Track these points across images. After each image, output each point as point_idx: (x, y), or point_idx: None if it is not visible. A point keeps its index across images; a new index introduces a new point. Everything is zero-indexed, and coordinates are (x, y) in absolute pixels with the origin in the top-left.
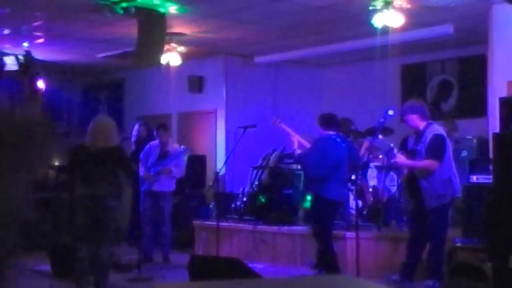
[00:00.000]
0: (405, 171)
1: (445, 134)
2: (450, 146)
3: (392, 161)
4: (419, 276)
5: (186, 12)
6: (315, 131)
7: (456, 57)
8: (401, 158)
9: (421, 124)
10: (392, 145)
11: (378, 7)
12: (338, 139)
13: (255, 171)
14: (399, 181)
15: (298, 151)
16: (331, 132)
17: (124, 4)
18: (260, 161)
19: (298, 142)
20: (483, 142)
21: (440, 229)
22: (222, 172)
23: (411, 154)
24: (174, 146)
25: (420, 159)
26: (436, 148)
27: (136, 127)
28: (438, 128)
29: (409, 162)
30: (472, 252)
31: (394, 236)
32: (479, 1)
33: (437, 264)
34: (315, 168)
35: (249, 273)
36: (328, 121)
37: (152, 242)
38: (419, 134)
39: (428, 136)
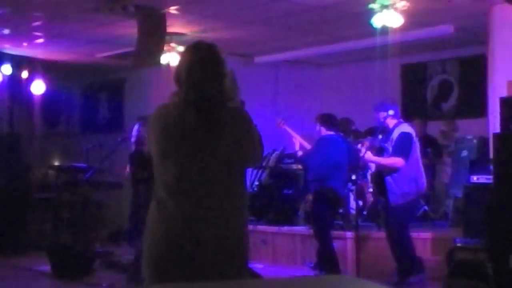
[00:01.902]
0: (373, 168)
1: (413, 133)
2: (417, 145)
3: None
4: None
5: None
6: (315, 131)
7: (456, 57)
8: (368, 154)
9: (391, 122)
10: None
11: (378, 7)
12: (339, 139)
13: (255, 171)
14: None
15: (300, 153)
16: (331, 132)
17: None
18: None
19: (300, 144)
20: (483, 142)
21: (401, 225)
22: None
23: (379, 151)
24: None
25: (387, 156)
26: (402, 146)
27: (136, 127)
28: (406, 127)
29: (375, 158)
30: (472, 252)
31: None
32: (479, 1)
33: (407, 259)
34: (318, 169)
35: (249, 273)
36: (329, 120)
37: None
38: (388, 132)
39: (396, 133)
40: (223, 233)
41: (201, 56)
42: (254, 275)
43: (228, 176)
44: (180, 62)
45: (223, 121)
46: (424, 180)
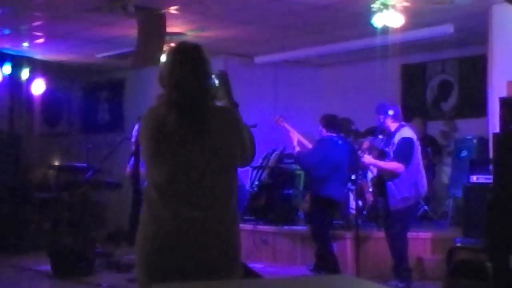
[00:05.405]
0: (374, 172)
1: (414, 138)
2: (419, 149)
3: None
4: (416, 278)
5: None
6: (315, 131)
7: (456, 57)
8: (367, 158)
9: (393, 126)
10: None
11: (378, 7)
12: (340, 141)
13: (255, 171)
14: None
15: (297, 148)
16: (332, 134)
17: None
18: (260, 161)
19: (298, 140)
20: (483, 142)
21: (400, 230)
22: None
23: (381, 156)
24: None
25: (388, 161)
26: (403, 152)
27: (136, 127)
28: (408, 131)
29: (375, 161)
30: (472, 252)
31: None
32: (479, 1)
33: (400, 265)
34: (314, 169)
35: (249, 273)
36: (330, 122)
37: None
38: (390, 136)
39: (397, 138)
40: (213, 232)
41: (183, 56)
42: (254, 275)
43: (216, 176)
44: (164, 63)
45: (206, 120)
46: (425, 183)
